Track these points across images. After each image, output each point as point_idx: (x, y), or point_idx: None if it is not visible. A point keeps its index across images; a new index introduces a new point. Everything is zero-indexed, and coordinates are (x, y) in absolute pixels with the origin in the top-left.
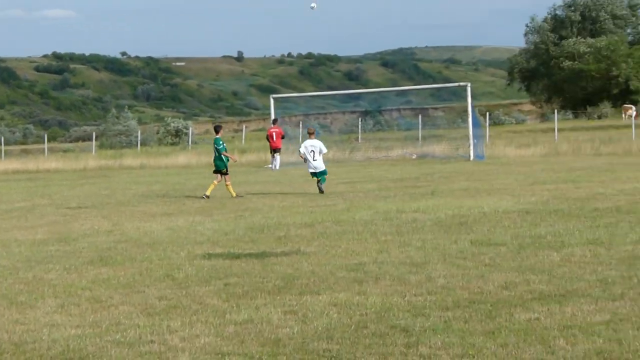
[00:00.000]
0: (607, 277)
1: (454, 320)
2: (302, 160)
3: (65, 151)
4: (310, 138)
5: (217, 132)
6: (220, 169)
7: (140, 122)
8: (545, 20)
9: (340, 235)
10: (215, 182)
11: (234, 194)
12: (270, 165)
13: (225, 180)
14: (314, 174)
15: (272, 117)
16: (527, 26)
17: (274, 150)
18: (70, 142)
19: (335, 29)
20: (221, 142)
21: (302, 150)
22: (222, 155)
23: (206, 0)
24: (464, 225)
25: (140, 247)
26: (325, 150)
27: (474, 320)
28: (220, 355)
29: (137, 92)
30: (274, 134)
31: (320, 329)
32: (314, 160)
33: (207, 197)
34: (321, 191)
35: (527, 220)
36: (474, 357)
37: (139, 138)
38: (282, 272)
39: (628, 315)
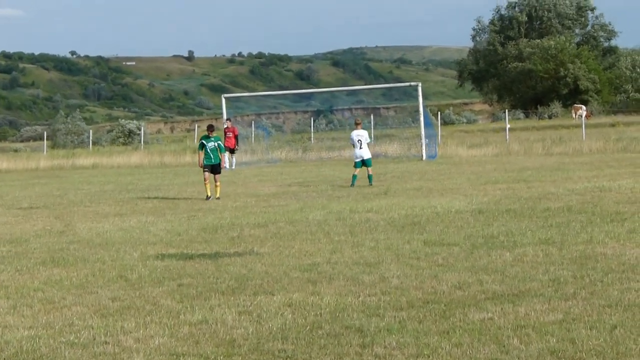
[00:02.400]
0: (560, 277)
1: (409, 320)
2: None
3: (16, 151)
4: (357, 128)
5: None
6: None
7: (91, 121)
8: (491, 21)
9: (294, 236)
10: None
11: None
12: (224, 165)
13: (216, 180)
14: (360, 163)
15: (224, 116)
16: (473, 29)
17: (229, 149)
18: (21, 141)
19: (286, 29)
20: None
21: (351, 141)
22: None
23: (156, 0)
24: (417, 225)
25: (92, 247)
26: (369, 140)
27: (428, 320)
28: (174, 356)
29: (88, 92)
30: (228, 133)
31: (274, 329)
32: (360, 149)
33: (218, 198)
34: (370, 183)
35: (480, 220)
36: (428, 356)
37: (90, 138)
38: (235, 273)
39: (580, 314)
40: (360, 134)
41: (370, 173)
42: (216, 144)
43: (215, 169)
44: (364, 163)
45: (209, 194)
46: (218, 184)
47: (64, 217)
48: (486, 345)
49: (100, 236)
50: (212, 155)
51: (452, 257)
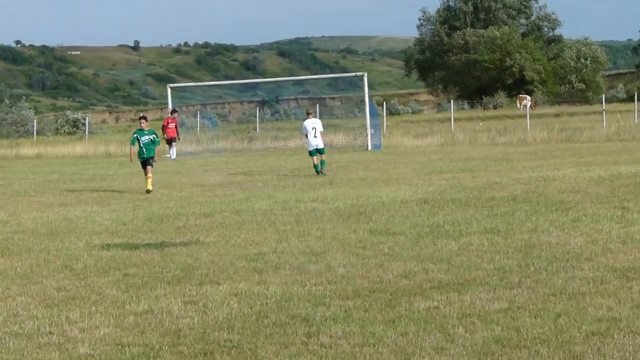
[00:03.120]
0: (505, 266)
1: (354, 309)
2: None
3: None
4: (309, 118)
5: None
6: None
7: (36, 111)
8: (437, 12)
9: (240, 225)
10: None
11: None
12: (167, 155)
13: (148, 172)
14: (315, 152)
15: (170, 106)
16: (419, 20)
17: (170, 139)
18: None
19: (232, 18)
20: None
21: (304, 130)
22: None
23: None
24: (362, 214)
25: (37, 237)
26: (322, 129)
27: (374, 309)
28: (120, 346)
29: (32, 81)
30: (169, 123)
31: (220, 319)
32: (315, 137)
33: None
34: (323, 173)
35: (425, 209)
36: (374, 345)
37: (34, 128)
38: (181, 262)
39: (525, 303)
40: (315, 123)
41: (324, 159)
42: (151, 138)
43: (148, 161)
44: (318, 151)
45: (150, 188)
46: (149, 175)
47: (8, 207)
48: (432, 334)
49: (45, 226)
50: (145, 150)
51: (397, 246)
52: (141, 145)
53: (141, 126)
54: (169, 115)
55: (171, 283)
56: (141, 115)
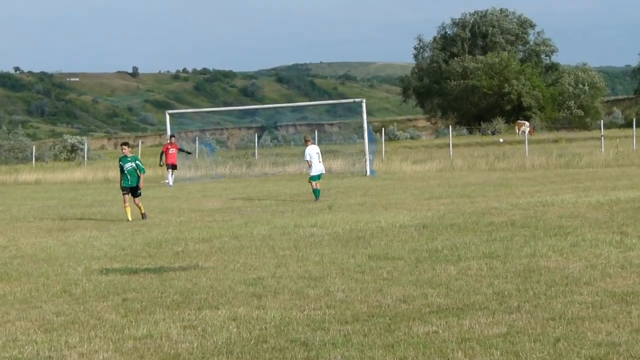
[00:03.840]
0: (504, 290)
1: (354, 334)
2: (308, 166)
3: None
4: (308, 145)
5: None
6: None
7: (34, 137)
8: (434, 39)
9: (239, 250)
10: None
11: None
12: (166, 181)
13: (137, 203)
14: (317, 177)
15: (168, 132)
16: (415, 48)
17: (170, 166)
18: None
19: (230, 45)
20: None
21: (307, 157)
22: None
23: (100, 16)
24: (361, 239)
25: (36, 262)
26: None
27: (373, 333)
28: None
29: (31, 108)
30: (169, 149)
31: (220, 343)
32: (319, 162)
33: (129, 220)
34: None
35: (424, 234)
36: None
37: (33, 153)
38: (180, 287)
39: (524, 327)
40: (317, 150)
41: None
42: (134, 164)
43: (133, 191)
44: (319, 178)
45: (130, 218)
46: (140, 205)
47: (7, 233)
48: (431, 359)
49: (44, 251)
50: (129, 177)
51: (396, 271)
52: (125, 172)
53: (124, 152)
54: (168, 141)
55: (170, 308)
56: (123, 141)
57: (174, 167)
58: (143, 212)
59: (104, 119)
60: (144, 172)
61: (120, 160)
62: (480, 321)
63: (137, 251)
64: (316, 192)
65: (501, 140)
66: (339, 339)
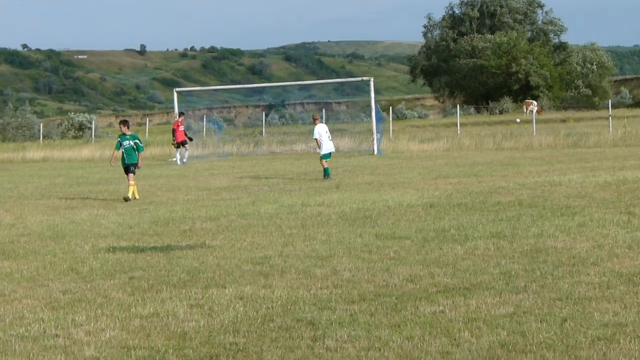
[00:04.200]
0: (511, 270)
1: (360, 313)
2: (317, 145)
3: None
4: (317, 123)
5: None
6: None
7: (42, 115)
8: (443, 18)
9: (246, 229)
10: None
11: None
12: (174, 159)
13: (130, 180)
14: (328, 155)
15: (176, 110)
16: (424, 26)
17: (181, 143)
18: None
19: (238, 23)
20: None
21: (317, 136)
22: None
23: None
24: (368, 218)
25: (43, 240)
26: None
27: (379, 313)
28: (125, 349)
29: (39, 85)
30: (179, 126)
31: (226, 322)
32: (329, 141)
33: (127, 199)
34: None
35: (431, 213)
36: (380, 349)
37: (40, 131)
38: (187, 266)
39: (531, 307)
40: (326, 128)
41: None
42: (132, 143)
43: (129, 168)
44: (329, 156)
45: (137, 196)
46: (132, 182)
47: (14, 210)
48: (437, 338)
49: (51, 229)
50: (126, 155)
51: (403, 251)
52: (123, 150)
53: (122, 131)
54: (177, 118)
55: (177, 286)
56: (122, 119)
57: (184, 143)
58: (129, 195)
59: (112, 96)
60: (142, 151)
61: (119, 138)
62: (487, 301)
63: (144, 229)
64: (326, 171)
65: (517, 120)
66: (345, 318)
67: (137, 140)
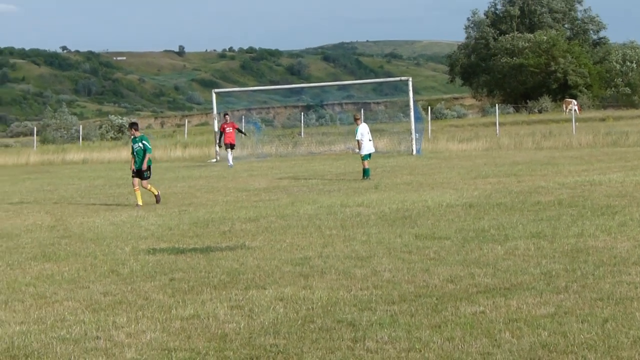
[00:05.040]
0: (551, 270)
1: (400, 314)
2: (358, 145)
3: (6, 146)
4: (358, 124)
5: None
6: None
7: (81, 117)
8: (486, 14)
9: (285, 230)
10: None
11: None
12: (212, 160)
13: (144, 186)
14: (368, 156)
15: (215, 111)
16: (468, 20)
17: (228, 145)
18: (11, 137)
19: (277, 23)
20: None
21: (359, 136)
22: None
23: None
24: (408, 219)
25: (84, 242)
26: None
27: (420, 314)
28: (166, 351)
29: (78, 87)
30: (226, 128)
31: (266, 323)
32: (369, 141)
33: (140, 205)
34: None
35: (471, 213)
36: (420, 351)
37: (80, 133)
38: (227, 267)
39: (572, 308)
40: (368, 129)
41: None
42: (141, 145)
43: (140, 173)
44: (369, 157)
45: (140, 202)
46: (149, 187)
47: (54, 212)
48: (478, 339)
49: (92, 231)
50: (137, 159)
51: (443, 251)
52: (134, 153)
53: (132, 134)
54: (223, 120)
55: (217, 288)
56: (131, 122)
57: (232, 146)
58: (156, 193)
59: (151, 98)
60: (150, 152)
61: (131, 141)
62: (527, 301)
63: (184, 231)
64: (367, 172)
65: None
66: (385, 319)
67: (145, 141)
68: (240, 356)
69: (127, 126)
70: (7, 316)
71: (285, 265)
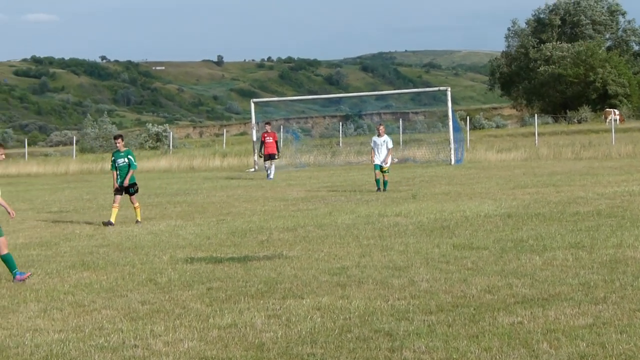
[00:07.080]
0: (590, 281)
1: (438, 324)
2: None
3: (46, 155)
4: (381, 135)
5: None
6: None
7: (120, 126)
8: (527, 23)
9: (323, 239)
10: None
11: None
12: (251, 170)
13: (133, 202)
14: (378, 166)
15: (253, 121)
16: (508, 29)
17: (269, 156)
18: (51, 146)
19: (315, 33)
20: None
21: (391, 145)
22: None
23: (186, 4)
24: (446, 229)
25: (122, 251)
26: (391, 145)
27: (457, 324)
28: None
29: (117, 97)
30: (266, 138)
31: (304, 333)
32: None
33: (112, 224)
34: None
35: (509, 224)
36: None
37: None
38: (265, 276)
39: (611, 318)
40: (386, 140)
41: (387, 179)
42: (126, 160)
43: (127, 190)
44: (381, 167)
45: (112, 221)
46: (136, 205)
47: (93, 221)
48: (516, 350)
49: (130, 240)
50: (120, 175)
51: (481, 261)
52: (117, 168)
53: (117, 147)
54: (264, 129)
55: (255, 297)
56: (116, 134)
57: (272, 156)
58: (138, 218)
59: (189, 107)
60: (135, 168)
61: (113, 155)
62: (565, 312)
63: (221, 240)
64: (378, 182)
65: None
66: (423, 329)
67: (130, 156)
68: None
69: (113, 138)
70: (45, 324)
71: (323, 275)
